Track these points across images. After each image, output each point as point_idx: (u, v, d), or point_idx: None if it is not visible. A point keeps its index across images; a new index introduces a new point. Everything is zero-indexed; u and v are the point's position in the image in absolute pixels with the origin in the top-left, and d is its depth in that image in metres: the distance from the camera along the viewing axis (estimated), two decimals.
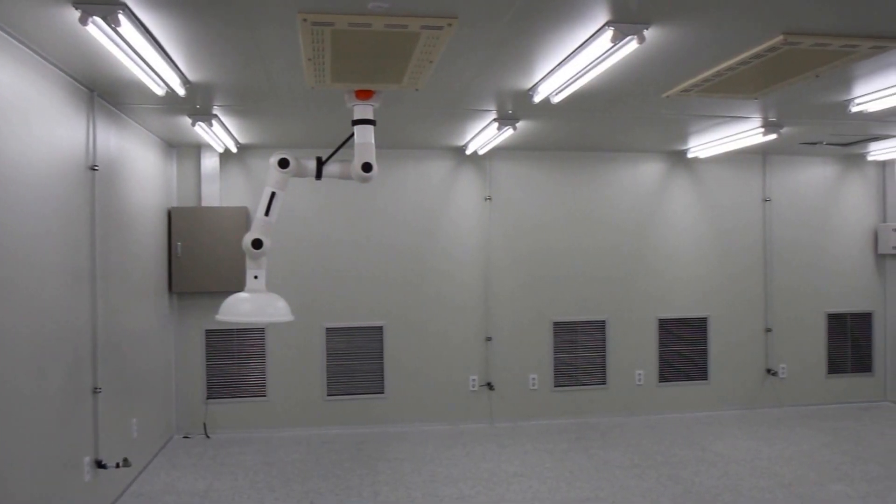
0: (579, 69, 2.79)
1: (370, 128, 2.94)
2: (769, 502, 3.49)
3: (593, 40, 2.50)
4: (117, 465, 3.38)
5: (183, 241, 4.55)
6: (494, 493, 3.64)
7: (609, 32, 2.40)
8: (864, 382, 5.54)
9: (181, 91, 3.12)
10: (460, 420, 4.97)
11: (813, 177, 5.48)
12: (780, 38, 2.50)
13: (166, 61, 2.72)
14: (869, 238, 5.56)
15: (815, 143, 4.80)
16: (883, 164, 5.57)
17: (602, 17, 2.33)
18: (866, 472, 3.90)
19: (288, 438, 4.63)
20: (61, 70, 2.91)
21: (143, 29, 2.40)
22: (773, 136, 4.24)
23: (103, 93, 3.28)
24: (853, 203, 5.56)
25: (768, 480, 3.78)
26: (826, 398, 5.47)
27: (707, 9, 2.27)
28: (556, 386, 5.09)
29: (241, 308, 2.74)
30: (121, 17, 2.21)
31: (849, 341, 5.56)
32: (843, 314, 5.56)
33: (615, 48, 2.52)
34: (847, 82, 3.18)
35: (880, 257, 5.58)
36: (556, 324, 5.11)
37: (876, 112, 3.67)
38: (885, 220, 5.55)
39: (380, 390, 4.93)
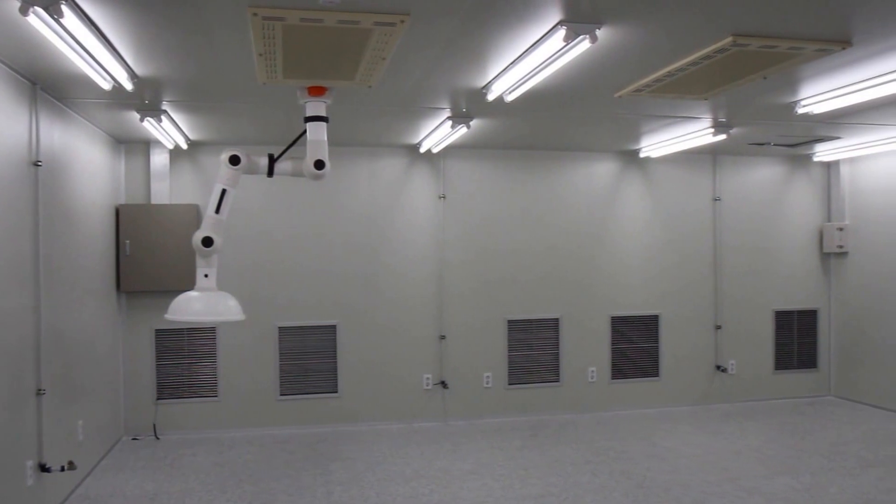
0: (532, 68, 2.81)
1: (323, 125, 2.92)
2: (717, 496, 3.56)
3: (546, 39, 2.52)
4: (62, 469, 3.29)
5: (131, 240, 4.46)
6: (448, 492, 3.63)
7: (561, 32, 2.41)
8: (810, 377, 5.68)
9: (128, 85, 3.05)
10: (414, 419, 4.96)
11: (761, 177, 5.60)
12: (730, 39, 2.54)
13: (112, 54, 2.65)
14: (814, 237, 5.70)
15: (763, 144, 4.90)
16: (828, 165, 5.71)
17: (554, 16, 2.35)
18: (810, 464, 4.00)
19: (240, 439, 4.57)
20: (1, 62, 2.83)
21: (87, 21, 2.33)
22: (722, 137, 4.31)
23: (47, 86, 3.19)
24: (800, 203, 5.69)
25: (717, 475, 3.84)
26: (773, 393, 5.60)
27: (658, 9, 2.30)
28: (510, 384, 5.11)
29: (192, 307, 2.69)
30: (64, 7, 2.14)
31: (795, 338, 5.70)
32: (789, 311, 5.70)
33: (567, 48, 2.53)
34: (793, 84, 3.26)
35: (825, 256, 5.73)
36: (510, 322, 5.15)
37: (821, 114, 3.77)
38: (829, 220, 5.70)
39: (333, 389, 4.89)
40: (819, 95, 3.39)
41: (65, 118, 3.50)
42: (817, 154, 5.36)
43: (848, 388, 5.54)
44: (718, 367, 5.47)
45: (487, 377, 5.05)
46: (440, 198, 5.00)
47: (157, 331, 4.63)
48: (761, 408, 5.33)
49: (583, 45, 2.48)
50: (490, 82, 3.12)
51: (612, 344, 5.29)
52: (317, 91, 2.91)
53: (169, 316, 2.54)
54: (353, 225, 4.89)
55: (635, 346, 5.33)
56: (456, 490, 3.66)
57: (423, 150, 4.82)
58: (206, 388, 4.69)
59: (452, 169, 5.03)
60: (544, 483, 3.75)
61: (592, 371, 5.23)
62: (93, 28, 2.37)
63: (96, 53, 2.58)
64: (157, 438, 4.55)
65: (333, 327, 4.87)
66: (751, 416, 5.10)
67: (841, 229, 5.50)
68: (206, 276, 2.67)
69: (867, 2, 2.22)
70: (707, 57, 2.71)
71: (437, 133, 4.23)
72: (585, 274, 5.23)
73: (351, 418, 4.88)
